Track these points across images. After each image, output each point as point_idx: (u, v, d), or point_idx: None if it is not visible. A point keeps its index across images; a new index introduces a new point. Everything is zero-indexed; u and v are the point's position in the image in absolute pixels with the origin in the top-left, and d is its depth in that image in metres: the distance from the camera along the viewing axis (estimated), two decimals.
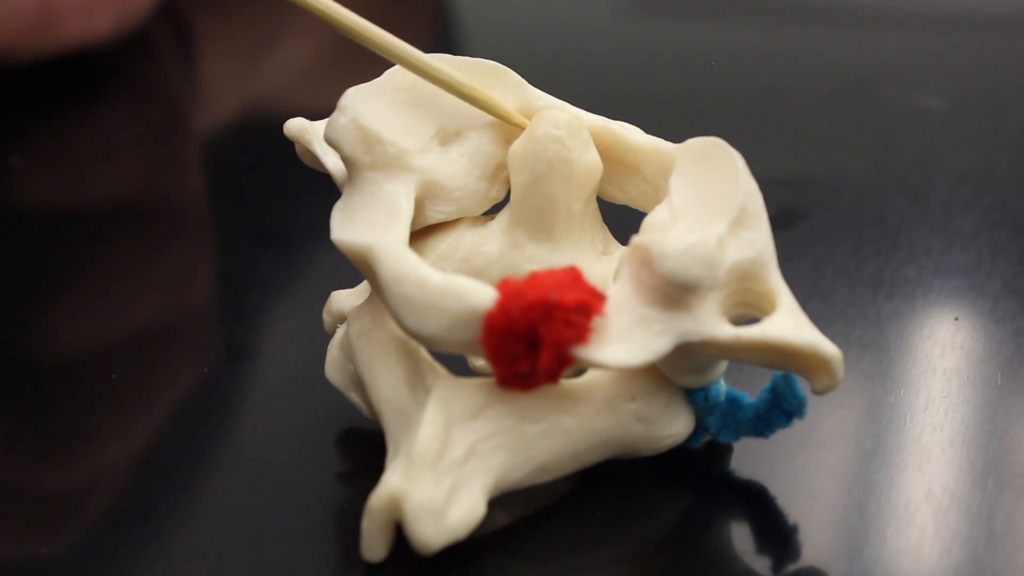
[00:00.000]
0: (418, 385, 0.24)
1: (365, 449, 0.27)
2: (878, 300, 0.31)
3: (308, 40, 0.48)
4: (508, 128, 0.26)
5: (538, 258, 0.26)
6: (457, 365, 0.25)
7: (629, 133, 0.26)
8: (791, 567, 0.24)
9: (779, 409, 0.24)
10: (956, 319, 0.30)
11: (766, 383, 0.25)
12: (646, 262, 0.23)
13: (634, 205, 0.27)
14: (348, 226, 0.24)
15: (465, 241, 0.26)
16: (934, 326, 0.30)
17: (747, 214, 0.24)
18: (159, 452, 0.28)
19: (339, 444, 0.27)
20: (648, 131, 0.26)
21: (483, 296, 0.23)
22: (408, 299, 0.23)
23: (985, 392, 0.28)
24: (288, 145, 0.27)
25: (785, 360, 0.23)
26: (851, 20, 0.48)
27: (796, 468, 0.26)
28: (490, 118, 0.26)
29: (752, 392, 0.25)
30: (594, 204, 0.26)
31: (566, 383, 0.24)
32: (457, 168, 0.26)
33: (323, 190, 0.28)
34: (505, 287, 0.23)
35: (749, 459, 0.26)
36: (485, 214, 0.27)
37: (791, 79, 0.44)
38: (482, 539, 0.24)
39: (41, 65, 0.42)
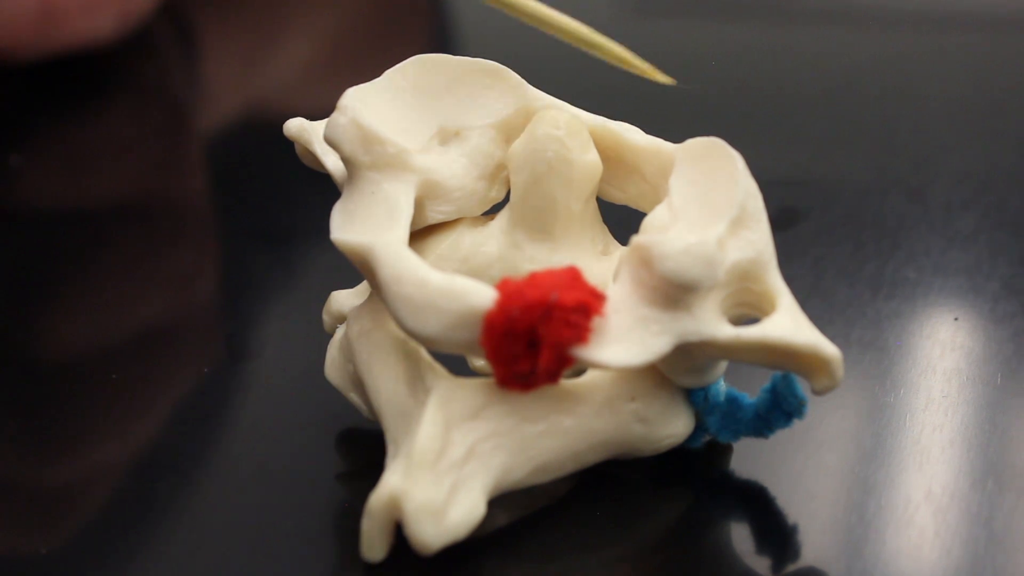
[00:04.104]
0: (418, 385, 0.24)
1: (365, 449, 0.27)
2: (878, 300, 0.31)
3: (309, 40, 0.48)
4: (508, 128, 0.26)
5: (538, 258, 0.26)
6: (457, 365, 0.25)
7: (629, 133, 0.26)
8: (791, 567, 0.24)
9: (779, 409, 0.24)
10: (956, 319, 0.30)
11: (766, 383, 0.25)
12: (646, 262, 0.23)
13: (634, 205, 0.27)
14: (348, 226, 0.24)
15: (465, 241, 0.26)
16: (934, 326, 0.30)
17: (747, 214, 0.24)
18: (159, 452, 0.28)
19: (339, 444, 0.27)
20: (648, 131, 0.26)
21: (483, 296, 0.23)
22: (408, 299, 0.23)
23: (985, 392, 0.28)
24: (289, 145, 0.27)
25: (785, 360, 0.23)
26: (851, 20, 0.48)
27: (796, 468, 0.26)
28: (491, 118, 0.26)
29: (752, 392, 0.25)
30: (594, 204, 0.26)
31: (566, 383, 0.24)
32: (457, 168, 0.26)
33: (323, 190, 0.28)
34: (505, 287, 0.23)
35: (749, 459, 0.26)
36: (485, 214, 0.27)
37: (791, 79, 0.44)
38: (482, 539, 0.24)
39: (42, 64, 0.42)
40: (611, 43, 0.26)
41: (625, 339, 0.23)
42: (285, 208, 0.36)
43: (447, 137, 0.26)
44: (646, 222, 0.24)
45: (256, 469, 0.27)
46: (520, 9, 0.25)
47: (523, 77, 0.26)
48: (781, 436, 0.25)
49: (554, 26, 0.26)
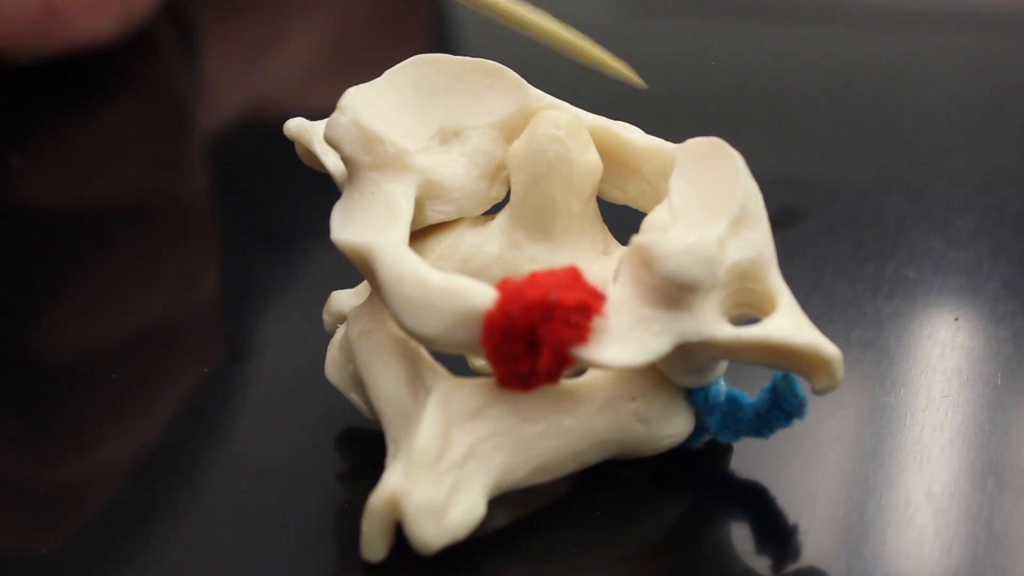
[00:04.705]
0: (418, 385, 0.24)
1: (365, 449, 0.27)
2: (878, 300, 0.31)
3: (310, 40, 0.48)
4: (508, 128, 0.26)
5: (538, 258, 0.26)
6: (457, 365, 0.25)
7: (629, 133, 0.26)
8: (791, 567, 0.24)
9: (779, 409, 0.24)
10: (956, 319, 0.30)
11: (766, 383, 0.25)
12: (646, 262, 0.23)
13: (634, 205, 0.27)
14: (348, 226, 0.24)
15: (465, 241, 0.26)
16: (934, 326, 0.30)
17: (747, 214, 0.24)
18: (159, 452, 0.28)
19: (339, 444, 0.27)
20: (648, 131, 0.26)
21: (483, 296, 0.23)
22: (408, 299, 0.23)
23: (985, 392, 0.28)
24: (289, 145, 0.27)
25: (785, 360, 0.23)
26: (851, 20, 0.48)
27: (796, 468, 0.26)
28: (491, 118, 0.26)
29: (752, 392, 0.25)
30: (594, 204, 0.26)
31: (566, 383, 0.24)
32: (457, 168, 0.26)
33: (323, 190, 0.28)
34: (505, 287, 0.23)
35: (749, 459, 0.26)
36: (485, 214, 0.27)
37: (791, 79, 0.44)
38: (482, 539, 0.24)
39: (43, 64, 0.42)
40: (587, 43, 0.26)
41: (625, 339, 0.23)
42: (285, 208, 0.36)
43: (447, 137, 0.26)
44: (646, 222, 0.24)
45: (256, 469, 0.27)
46: (493, 8, 0.25)
47: (523, 77, 0.26)
48: (781, 436, 0.25)
49: (529, 26, 0.25)
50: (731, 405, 0.25)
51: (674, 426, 0.25)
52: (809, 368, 0.23)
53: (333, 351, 0.26)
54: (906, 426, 0.27)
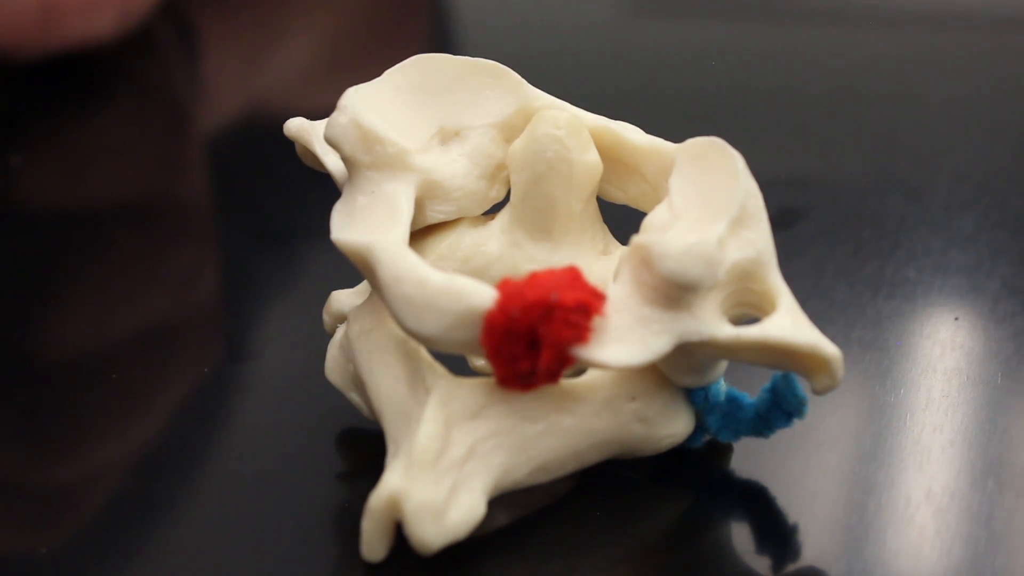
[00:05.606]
0: (418, 385, 0.24)
1: (365, 449, 0.27)
2: (878, 300, 0.31)
3: (310, 40, 0.48)
4: (508, 128, 0.26)
5: (538, 258, 0.26)
6: (457, 365, 0.25)
7: (629, 133, 0.26)
8: (791, 567, 0.24)
9: (779, 409, 0.24)
10: (956, 319, 0.30)
11: (766, 383, 0.25)
12: (646, 262, 0.23)
13: (634, 205, 0.27)
14: (348, 226, 0.24)
15: (465, 241, 0.26)
16: (934, 326, 0.30)
17: (747, 214, 0.24)
18: (159, 451, 0.28)
19: (339, 444, 0.27)
20: (648, 131, 0.26)
21: (483, 296, 0.23)
22: (408, 299, 0.23)
23: (985, 392, 0.28)
24: (289, 145, 0.27)
25: (785, 360, 0.23)
26: (851, 20, 0.48)
27: (796, 468, 0.26)
28: (491, 118, 0.26)
29: (752, 392, 0.25)
30: (594, 204, 0.26)
31: (566, 383, 0.24)
32: (457, 168, 0.26)
33: (323, 190, 0.28)
34: (505, 287, 0.23)
35: (749, 459, 0.26)
36: (485, 214, 0.27)
37: (791, 79, 0.44)
38: (482, 539, 0.24)
39: (42, 64, 0.42)
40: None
41: (625, 339, 0.23)
42: (285, 208, 0.36)
43: (447, 137, 0.26)
44: (646, 222, 0.24)
45: (256, 469, 0.27)
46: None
47: (523, 77, 0.26)
48: (781, 436, 0.25)
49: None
50: (731, 405, 0.25)
51: (674, 426, 0.25)
52: (809, 368, 0.23)
53: (333, 351, 0.26)
54: (906, 426, 0.27)
